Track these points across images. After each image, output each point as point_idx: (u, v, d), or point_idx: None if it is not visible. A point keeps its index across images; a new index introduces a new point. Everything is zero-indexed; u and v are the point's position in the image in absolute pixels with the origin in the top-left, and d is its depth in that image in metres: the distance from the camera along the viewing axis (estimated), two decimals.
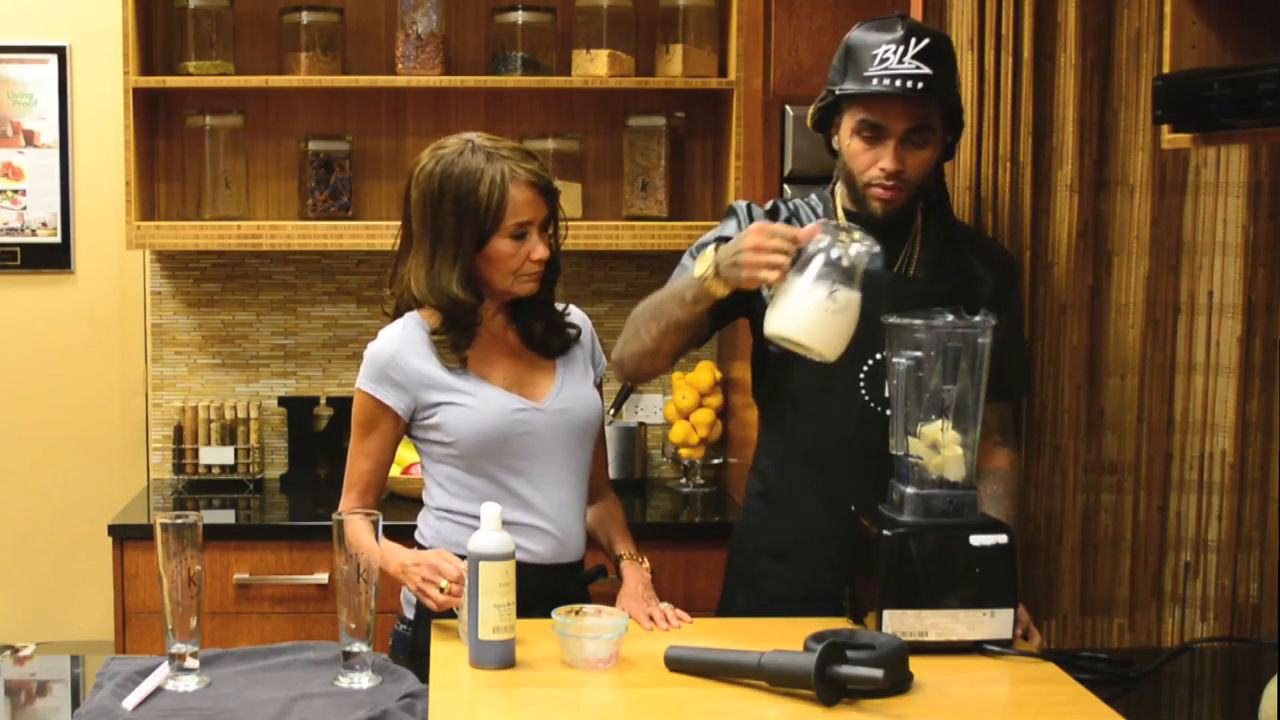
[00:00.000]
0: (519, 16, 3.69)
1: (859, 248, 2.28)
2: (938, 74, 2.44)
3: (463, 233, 2.45)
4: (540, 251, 2.48)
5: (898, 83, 2.43)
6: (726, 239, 2.46)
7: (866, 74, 2.45)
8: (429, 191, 2.47)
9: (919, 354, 2.32)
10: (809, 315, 2.29)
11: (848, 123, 2.51)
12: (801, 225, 2.41)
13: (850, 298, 2.29)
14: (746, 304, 2.54)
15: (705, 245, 2.52)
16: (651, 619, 2.43)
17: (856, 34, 2.51)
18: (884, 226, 2.47)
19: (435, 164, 2.48)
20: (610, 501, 2.72)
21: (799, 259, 2.30)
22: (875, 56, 2.45)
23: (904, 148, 2.47)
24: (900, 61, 2.43)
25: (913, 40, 2.44)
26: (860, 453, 2.52)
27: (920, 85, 2.42)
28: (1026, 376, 2.72)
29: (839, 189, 2.59)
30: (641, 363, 2.59)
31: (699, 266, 2.43)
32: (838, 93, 2.50)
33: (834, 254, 2.28)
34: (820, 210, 2.60)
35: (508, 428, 2.49)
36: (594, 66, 3.67)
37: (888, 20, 2.51)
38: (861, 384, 2.54)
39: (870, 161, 2.49)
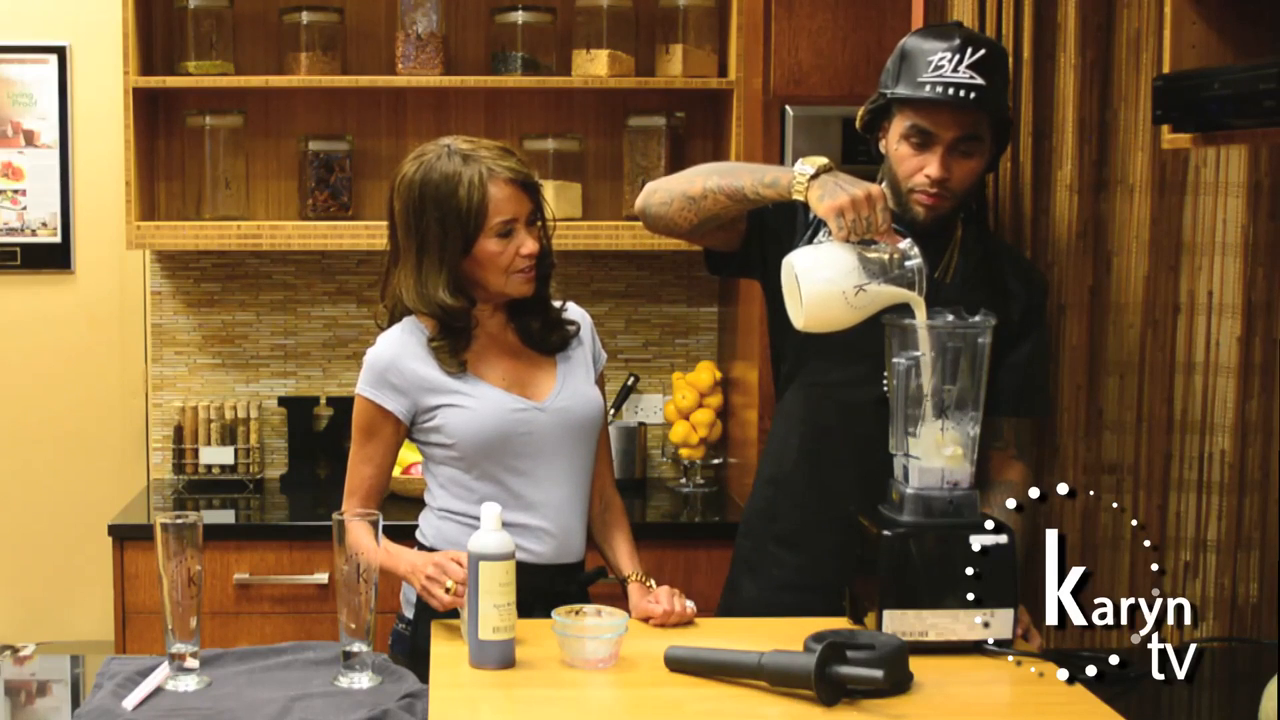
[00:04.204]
0: (519, 16, 3.69)
1: (902, 292, 2.32)
2: (990, 85, 2.45)
3: (447, 238, 2.44)
4: (529, 246, 2.47)
5: (950, 91, 2.43)
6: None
7: (920, 79, 2.45)
8: (410, 200, 2.47)
9: (919, 354, 2.32)
10: (826, 283, 2.32)
11: (897, 127, 2.51)
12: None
13: (866, 305, 2.33)
14: (766, 267, 2.56)
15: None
16: (662, 610, 2.42)
17: (912, 40, 2.51)
18: (925, 234, 2.48)
19: (415, 172, 2.47)
20: (616, 511, 2.67)
21: (868, 241, 2.34)
22: (930, 63, 2.45)
23: (951, 156, 2.48)
24: (955, 70, 2.44)
25: (969, 50, 2.44)
26: (875, 446, 2.51)
27: (973, 96, 2.43)
28: (1048, 395, 2.72)
29: (883, 192, 2.58)
30: (672, 203, 2.54)
31: (807, 163, 2.41)
32: (890, 96, 2.51)
33: (893, 271, 2.32)
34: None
35: (508, 428, 2.49)
36: (594, 66, 3.67)
37: (945, 28, 2.54)
38: (884, 381, 2.53)
39: (916, 167, 2.49)
